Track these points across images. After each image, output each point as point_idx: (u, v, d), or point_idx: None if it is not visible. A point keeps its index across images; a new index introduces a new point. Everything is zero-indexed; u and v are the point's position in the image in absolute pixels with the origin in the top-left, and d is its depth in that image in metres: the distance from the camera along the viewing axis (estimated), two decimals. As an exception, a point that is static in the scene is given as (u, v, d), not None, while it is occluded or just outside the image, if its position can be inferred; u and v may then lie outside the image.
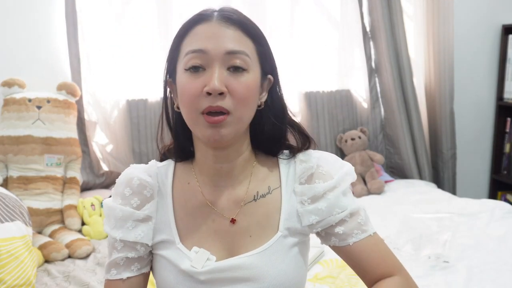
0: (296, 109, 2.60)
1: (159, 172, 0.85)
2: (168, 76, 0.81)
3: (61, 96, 2.12)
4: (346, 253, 0.81)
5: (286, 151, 0.86)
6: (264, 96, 0.81)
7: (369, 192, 2.45)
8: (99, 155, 2.32)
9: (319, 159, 0.83)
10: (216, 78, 0.71)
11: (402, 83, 2.64)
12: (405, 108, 2.66)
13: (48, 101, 2.07)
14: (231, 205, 0.81)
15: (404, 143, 2.68)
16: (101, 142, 2.32)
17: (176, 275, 0.78)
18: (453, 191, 2.80)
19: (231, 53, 0.73)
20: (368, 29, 2.68)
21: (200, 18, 0.76)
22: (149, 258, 0.84)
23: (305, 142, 0.85)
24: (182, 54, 0.75)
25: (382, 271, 0.79)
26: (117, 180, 0.84)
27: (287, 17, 2.50)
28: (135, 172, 0.83)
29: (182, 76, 0.75)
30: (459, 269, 1.53)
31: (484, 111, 2.93)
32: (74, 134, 2.14)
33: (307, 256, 0.87)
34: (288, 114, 0.84)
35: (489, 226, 1.87)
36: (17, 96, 2.06)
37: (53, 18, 2.20)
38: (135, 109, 2.35)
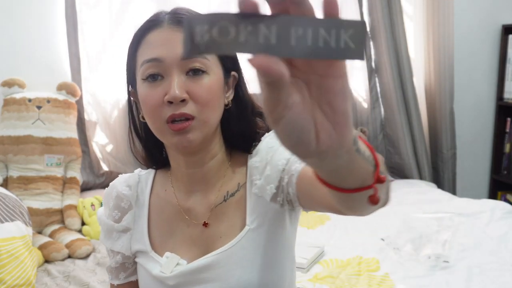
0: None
1: (141, 180, 0.85)
2: (130, 86, 0.80)
3: (61, 96, 2.12)
4: (309, 179, 0.67)
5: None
6: (231, 95, 0.78)
7: (369, 192, 2.45)
8: (99, 155, 2.32)
9: (264, 138, 0.81)
10: (176, 85, 0.69)
11: (402, 83, 2.64)
12: (405, 108, 2.65)
13: (48, 101, 2.07)
14: (204, 209, 0.80)
15: (404, 143, 2.68)
16: (101, 142, 2.32)
17: (149, 282, 0.80)
18: (453, 191, 2.80)
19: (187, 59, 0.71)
20: (368, 29, 2.68)
21: (152, 25, 0.73)
22: (134, 267, 0.86)
23: None
24: (139, 64, 0.73)
25: None
26: (104, 192, 0.87)
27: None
28: (115, 184, 0.85)
29: (141, 87, 0.73)
30: (459, 269, 1.53)
31: (484, 111, 2.93)
32: (74, 134, 2.14)
33: (289, 251, 0.81)
34: (256, 107, 0.82)
35: (489, 226, 1.87)
36: (17, 96, 2.06)
37: (53, 18, 2.20)
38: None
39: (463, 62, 2.79)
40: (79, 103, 2.24)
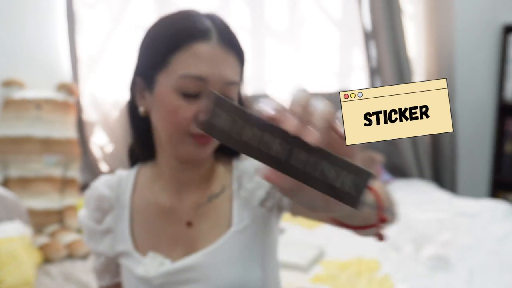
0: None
1: (121, 181, 0.85)
2: (137, 74, 0.76)
3: (61, 96, 2.12)
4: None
5: None
6: None
7: (369, 192, 2.45)
8: (98, 155, 2.32)
9: None
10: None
11: (402, 83, 2.63)
12: (405, 108, 2.65)
13: (48, 101, 2.07)
14: (188, 209, 0.79)
15: (404, 143, 2.67)
16: (100, 142, 2.32)
17: (133, 282, 0.79)
18: (453, 191, 2.80)
19: (230, 84, 0.71)
20: (368, 29, 2.68)
21: (199, 35, 0.70)
22: (118, 268, 0.86)
23: None
24: (173, 71, 0.70)
25: None
26: (85, 193, 0.86)
27: (287, 17, 2.50)
28: (96, 185, 0.84)
29: (171, 96, 0.70)
30: (459, 269, 1.52)
31: (484, 111, 2.93)
32: (73, 134, 2.14)
33: (273, 252, 0.82)
34: None
35: (489, 226, 1.87)
36: (17, 96, 2.05)
37: (53, 18, 2.20)
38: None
39: (463, 62, 2.79)
40: (79, 103, 2.24)
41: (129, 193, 0.83)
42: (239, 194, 0.79)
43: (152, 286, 0.77)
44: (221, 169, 0.82)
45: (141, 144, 0.83)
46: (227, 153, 0.83)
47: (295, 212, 0.76)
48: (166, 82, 0.70)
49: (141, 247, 0.80)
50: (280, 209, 0.79)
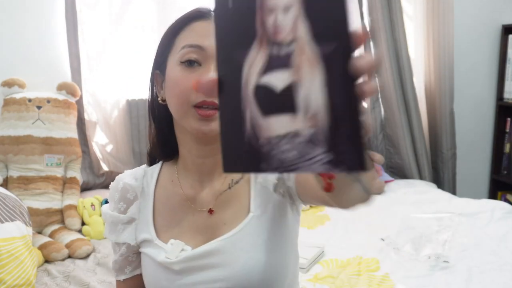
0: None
1: (146, 174, 0.88)
2: (154, 68, 0.82)
3: (61, 96, 2.12)
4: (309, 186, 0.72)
5: None
6: None
7: (369, 192, 2.45)
8: (99, 155, 2.32)
9: None
10: (212, 74, 0.72)
11: (402, 83, 2.64)
12: (405, 108, 2.66)
13: (48, 101, 2.07)
14: (210, 197, 0.83)
15: (404, 143, 2.68)
16: (101, 142, 2.32)
17: (154, 269, 0.81)
18: (453, 191, 2.80)
19: None
20: (368, 29, 2.68)
21: (198, 15, 0.77)
22: (138, 260, 0.88)
23: None
24: (177, 48, 0.76)
25: None
26: (109, 186, 0.89)
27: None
28: (122, 177, 0.87)
29: (175, 69, 0.76)
30: (459, 269, 1.53)
31: (484, 111, 2.93)
32: (74, 134, 2.14)
33: (293, 245, 0.84)
34: None
35: (489, 226, 1.87)
36: (17, 96, 2.06)
37: (53, 18, 2.20)
38: (135, 109, 2.35)
39: (463, 62, 2.79)
40: (79, 103, 2.24)
41: (153, 185, 0.86)
42: (256, 180, 0.82)
43: (173, 272, 0.79)
44: None
45: (163, 141, 0.85)
46: None
47: (301, 197, 0.77)
48: (172, 59, 0.77)
49: (163, 236, 0.82)
50: (291, 197, 0.80)
